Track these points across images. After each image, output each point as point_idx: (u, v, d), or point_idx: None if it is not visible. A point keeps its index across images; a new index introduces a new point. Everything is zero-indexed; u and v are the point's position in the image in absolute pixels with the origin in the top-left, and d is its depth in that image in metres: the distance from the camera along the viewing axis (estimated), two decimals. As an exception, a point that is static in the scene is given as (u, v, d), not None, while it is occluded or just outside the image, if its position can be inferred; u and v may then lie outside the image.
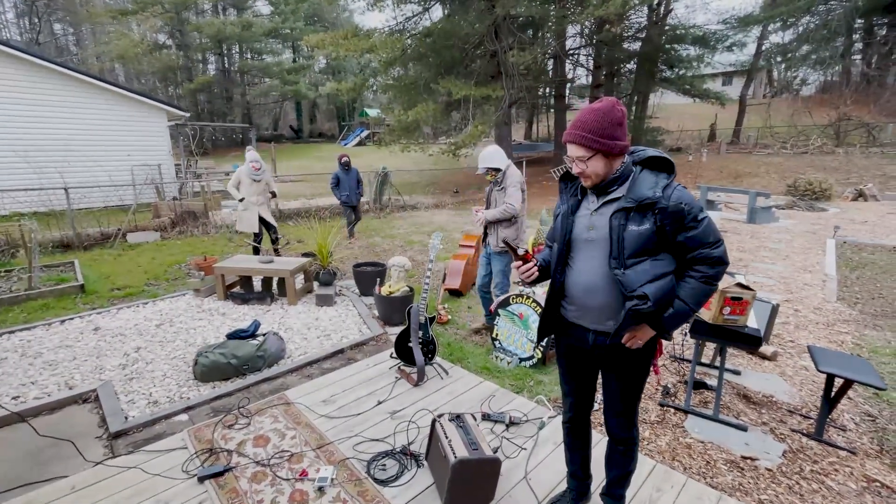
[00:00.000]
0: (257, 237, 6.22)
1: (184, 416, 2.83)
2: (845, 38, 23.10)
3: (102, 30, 31.36)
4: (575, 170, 1.61)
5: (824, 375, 2.61)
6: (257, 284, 5.37)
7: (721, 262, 1.52)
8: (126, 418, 2.79)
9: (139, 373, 3.36)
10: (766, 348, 3.66)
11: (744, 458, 2.45)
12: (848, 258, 6.98)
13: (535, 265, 1.71)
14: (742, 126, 23.10)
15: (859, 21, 22.42)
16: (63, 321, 4.34)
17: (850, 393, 3.14)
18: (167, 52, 32.00)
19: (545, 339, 3.32)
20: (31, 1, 30.14)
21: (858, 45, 23.86)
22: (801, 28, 23.11)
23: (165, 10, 28.89)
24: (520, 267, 1.70)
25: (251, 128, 13.56)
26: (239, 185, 5.94)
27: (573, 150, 1.56)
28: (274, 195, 6.28)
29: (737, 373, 3.38)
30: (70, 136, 10.88)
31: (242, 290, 5.11)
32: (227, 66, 36.72)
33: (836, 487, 2.26)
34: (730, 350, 3.72)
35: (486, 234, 3.87)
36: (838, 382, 2.64)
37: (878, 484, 2.29)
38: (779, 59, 25.31)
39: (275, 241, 6.35)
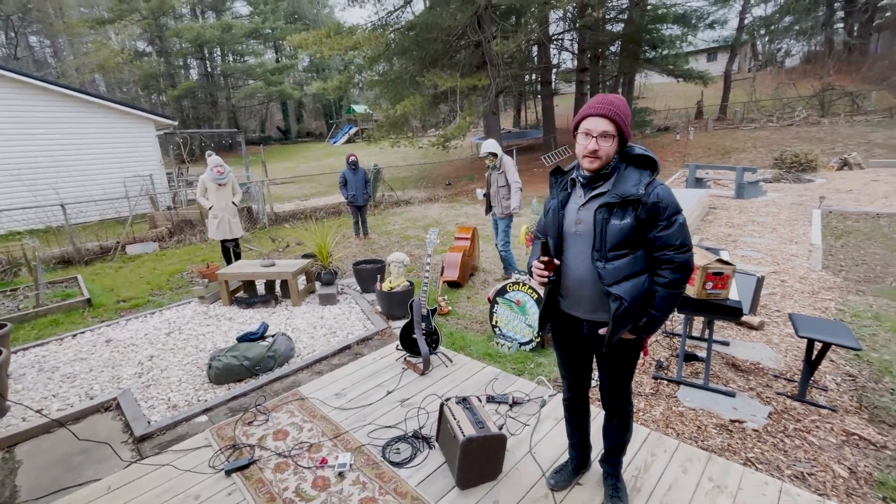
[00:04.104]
0: (229, 243, 6.01)
1: (203, 418, 2.97)
2: (826, 7, 23.23)
3: (80, 41, 30.91)
4: (590, 147, 1.59)
5: (805, 341, 2.79)
6: (260, 288, 5.49)
7: (683, 269, 1.59)
8: (149, 422, 2.92)
9: (155, 380, 3.50)
10: (752, 319, 3.84)
11: (732, 421, 2.63)
12: (833, 227, 7.18)
13: (550, 278, 1.73)
14: (728, 102, 23.21)
15: (839, -11, 22.58)
16: (74, 335, 4.45)
17: (833, 356, 3.33)
18: (148, 59, 31.67)
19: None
20: (5, 15, 29.61)
21: (840, 14, 23.98)
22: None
23: (143, 17, 28.55)
24: (541, 268, 1.72)
25: (239, 132, 13.54)
26: (206, 192, 5.77)
27: (600, 125, 1.57)
28: (235, 204, 5.91)
29: (726, 343, 3.56)
30: (61, 152, 10.90)
31: (246, 295, 5.23)
32: (209, 70, 36.36)
33: (817, 442, 2.44)
34: (718, 322, 3.90)
35: (489, 206, 5.30)
36: (818, 347, 2.82)
37: (856, 437, 2.48)
38: (762, 31, 25.41)
39: (237, 256, 6.08)
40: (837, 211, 8.12)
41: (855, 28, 23.64)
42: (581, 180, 1.73)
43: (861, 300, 4.37)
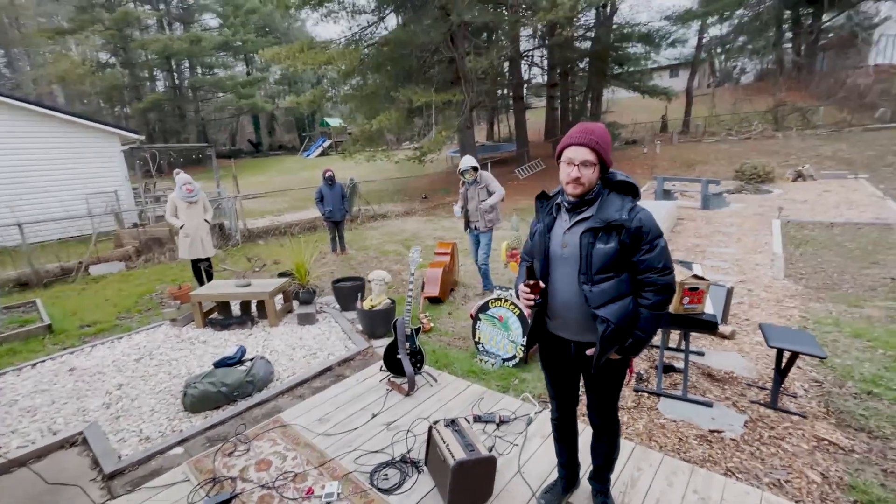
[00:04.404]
0: (201, 263, 5.88)
1: (179, 449, 2.84)
2: (776, 28, 24.81)
3: (37, 51, 29.68)
4: (573, 174, 1.64)
5: (775, 350, 2.91)
6: (235, 309, 5.33)
7: (666, 291, 1.66)
8: (119, 457, 2.77)
9: (125, 410, 3.33)
10: (724, 328, 3.98)
11: (711, 431, 2.71)
12: (792, 236, 7.57)
13: (537, 301, 1.76)
14: (690, 116, 24.32)
15: (787, 12, 24.15)
16: (34, 364, 4.20)
17: (800, 363, 3.49)
18: (111, 70, 30.65)
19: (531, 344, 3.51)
20: (-45, 24, 28.25)
21: (789, 35, 25.63)
22: (736, 21, 24.68)
23: (106, 28, 27.69)
24: (527, 291, 1.74)
25: (210, 146, 13.24)
26: (176, 211, 5.65)
27: (581, 154, 1.62)
28: (207, 221, 5.84)
29: (701, 354, 3.68)
30: (19, 168, 10.40)
31: (221, 316, 5.07)
32: (177, 82, 35.50)
33: (790, 449, 2.54)
34: (694, 333, 4.03)
35: (468, 222, 5.32)
36: (787, 355, 2.95)
37: (826, 442, 2.59)
38: (718, 50, 26.94)
39: (209, 276, 5.97)
40: (795, 221, 8.57)
41: (802, 48, 25.28)
42: (566, 205, 1.77)
43: (821, 307, 4.61)
